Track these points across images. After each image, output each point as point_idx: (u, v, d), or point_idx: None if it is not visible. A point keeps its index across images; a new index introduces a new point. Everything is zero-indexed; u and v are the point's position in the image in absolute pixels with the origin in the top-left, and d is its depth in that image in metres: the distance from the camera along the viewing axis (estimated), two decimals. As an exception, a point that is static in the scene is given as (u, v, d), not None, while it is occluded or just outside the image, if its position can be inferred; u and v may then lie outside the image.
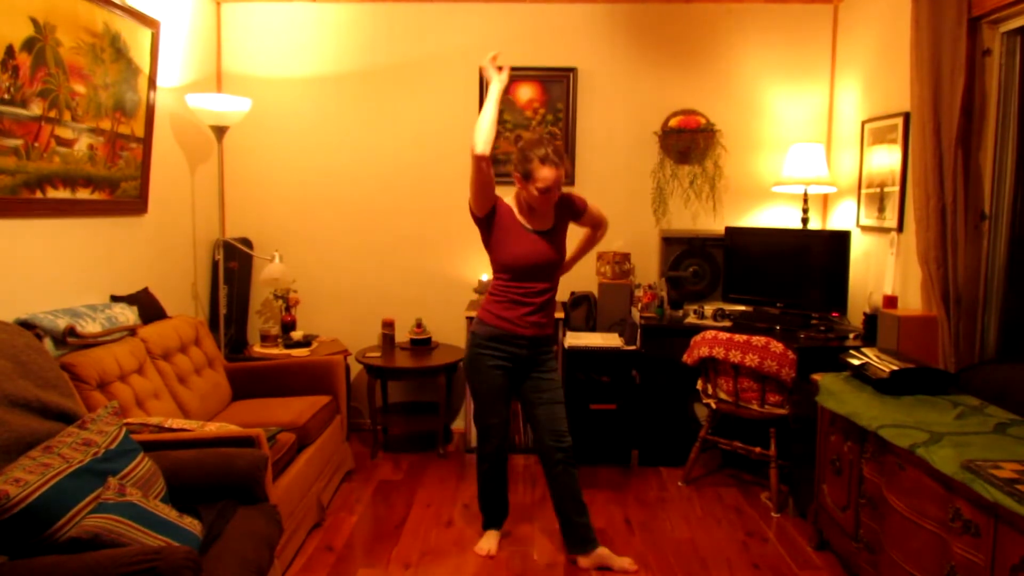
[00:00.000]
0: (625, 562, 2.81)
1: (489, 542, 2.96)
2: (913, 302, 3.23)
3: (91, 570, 1.57)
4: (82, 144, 2.94)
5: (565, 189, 2.78)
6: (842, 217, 4.04)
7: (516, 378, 2.85)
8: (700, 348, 3.40)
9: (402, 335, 4.30)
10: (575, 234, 2.94)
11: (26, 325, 2.51)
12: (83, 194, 2.99)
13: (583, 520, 2.82)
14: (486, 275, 4.22)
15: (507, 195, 2.80)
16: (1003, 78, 2.82)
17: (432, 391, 4.24)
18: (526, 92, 4.26)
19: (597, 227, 2.98)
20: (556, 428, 2.78)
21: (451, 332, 4.34)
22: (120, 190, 3.24)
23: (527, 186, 2.65)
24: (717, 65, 4.23)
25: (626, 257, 4.15)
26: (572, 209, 2.86)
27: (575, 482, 2.81)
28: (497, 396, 2.82)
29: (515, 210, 2.75)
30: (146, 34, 3.32)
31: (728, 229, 4.02)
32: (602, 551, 2.82)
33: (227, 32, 4.25)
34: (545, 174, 2.59)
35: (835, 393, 2.73)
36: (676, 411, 3.88)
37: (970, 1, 2.81)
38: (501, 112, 4.25)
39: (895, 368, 2.63)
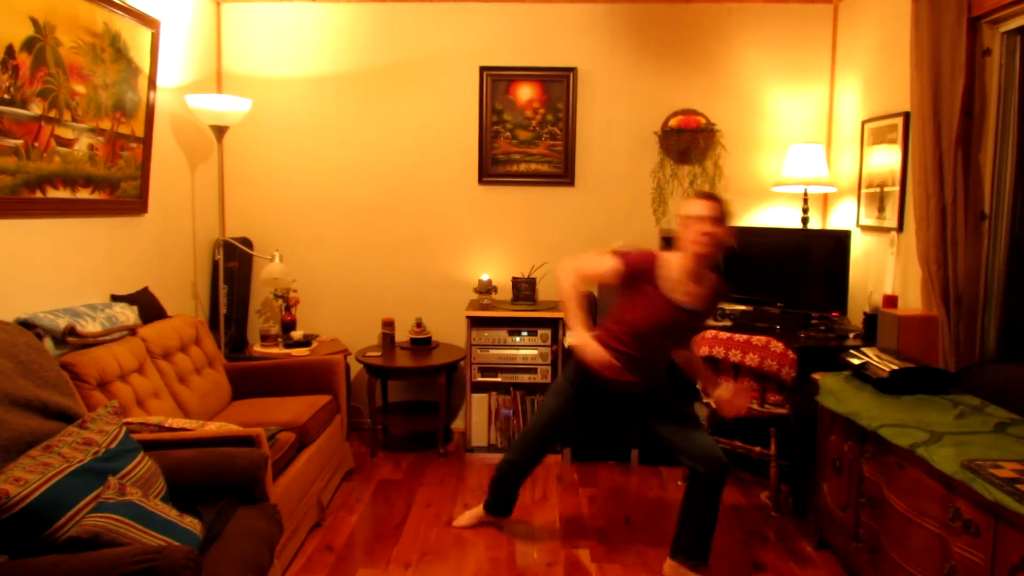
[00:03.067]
0: None
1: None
2: (913, 302, 3.23)
3: (91, 570, 1.57)
4: (82, 144, 2.94)
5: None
6: (842, 217, 4.04)
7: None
8: (700, 348, 3.40)
9: (402, 335, 4.30)
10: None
11: (26, 325, 2.51)
12: (83, 194, 2.99)
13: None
14: (486, 275, 4.22)
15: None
16: (1003, 78, 2.82)
17: (432, 391, 4.24)
18: (526, 92, 4.25)
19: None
20: None
21: (451, 332, 4.33)
22: (120, 190, 3.24)
23: (685, 227, 2.53)
24: (717, 65, 4.23)
25: (626, 257, 4.15)
26: (715, 304, 2.73)
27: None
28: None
29: (663, 275, 2.57)
30: (146, 34, 3.32)
31: (728, 229, 4.01)
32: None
33: (227, 32, 4.25)
34: (696, 205, 2.53)
35: (835, 392, 2.73)
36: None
37: (970, 1, 2.81)
38: (500, 112, 4.26)
39: (895, 368, 2.63)
